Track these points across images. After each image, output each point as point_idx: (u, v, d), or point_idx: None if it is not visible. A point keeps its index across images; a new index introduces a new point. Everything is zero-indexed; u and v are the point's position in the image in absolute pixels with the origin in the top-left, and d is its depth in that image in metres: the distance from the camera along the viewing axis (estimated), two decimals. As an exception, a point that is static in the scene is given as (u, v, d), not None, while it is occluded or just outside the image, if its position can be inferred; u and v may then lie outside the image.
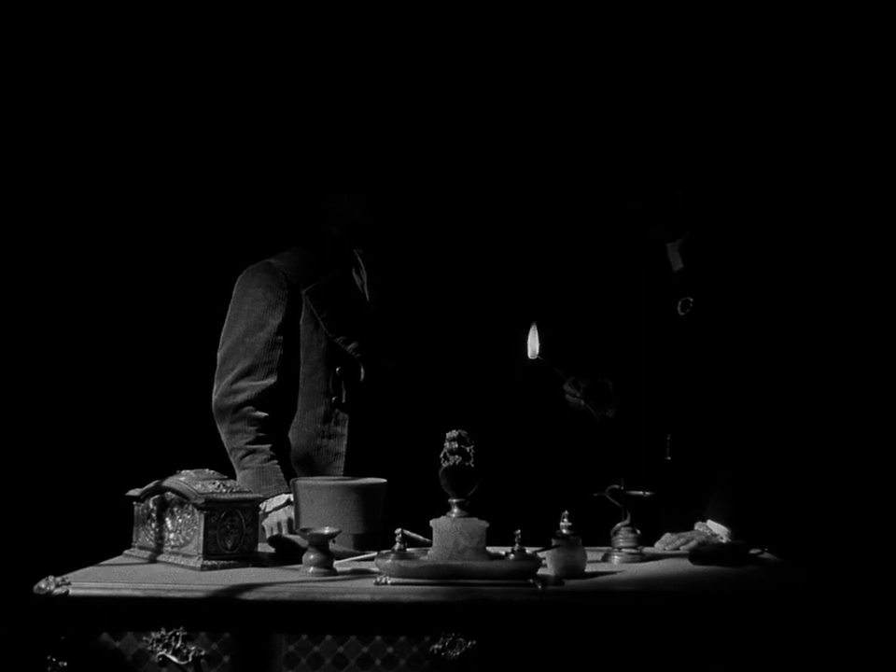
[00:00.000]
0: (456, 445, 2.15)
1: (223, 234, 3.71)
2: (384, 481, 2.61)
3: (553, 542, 2.26)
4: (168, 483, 2.37)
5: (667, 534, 2.67)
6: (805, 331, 2.97)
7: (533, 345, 2.59)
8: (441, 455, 2.17)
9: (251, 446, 2.89)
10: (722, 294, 2.80)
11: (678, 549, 2.60)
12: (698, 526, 2.69)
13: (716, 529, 2.67)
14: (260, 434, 2.90)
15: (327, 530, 2.25)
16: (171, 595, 2.07)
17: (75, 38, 3.71)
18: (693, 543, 2.60)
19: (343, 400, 2.95)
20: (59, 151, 3.74)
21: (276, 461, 2.89)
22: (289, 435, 2.99)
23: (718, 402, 2.79)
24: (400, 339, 3.11)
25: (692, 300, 2.82)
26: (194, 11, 3.73)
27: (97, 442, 3.65)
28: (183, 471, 2.42)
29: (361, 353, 2.98)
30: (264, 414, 2.92)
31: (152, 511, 2.41)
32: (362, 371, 2.97)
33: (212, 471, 2.47)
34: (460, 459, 2.14)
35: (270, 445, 2.90)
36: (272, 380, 2.94)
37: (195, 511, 2.30)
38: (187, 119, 3.79)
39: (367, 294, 3.10)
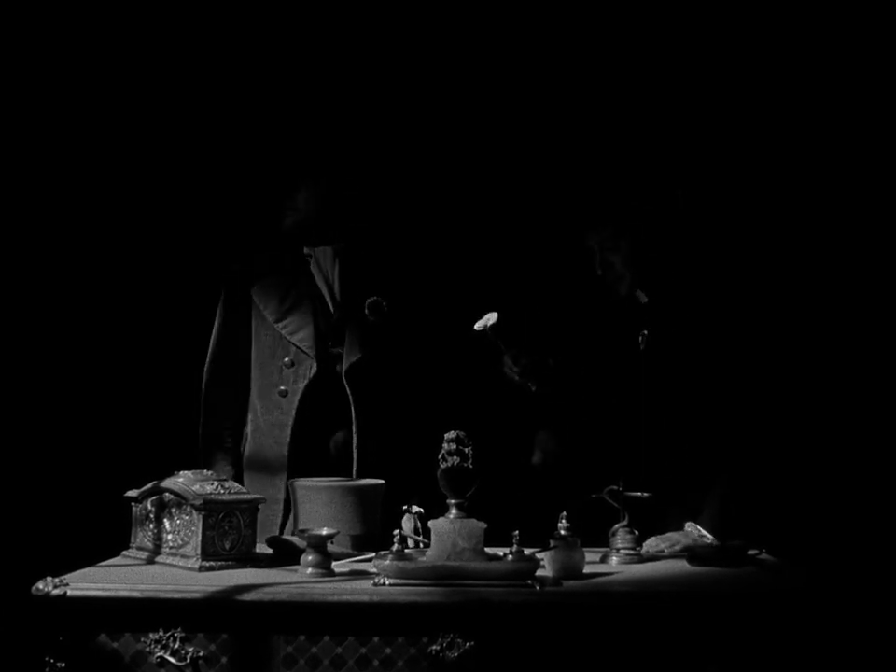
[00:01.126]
0: (455, 446, 2.15)
1: (215, 234, 3.70)
2: (382, 481, 2.61)
3: (552, 543, 2.26)
4: (166, 483, 2.37)
5: (652, 538, 2.64)
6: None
7: (486, 320, 2.61)
8: (440, 456, 2.17)
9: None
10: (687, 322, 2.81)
11: (662, 552, 2.59)
12: (688, 527, 2.68)
13: (704, 531, 2.66)
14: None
15: (325, 531, 2.25)
16: (169, 595, 2.07)
17: (60, 39, 3.69)
18: (678, 547, 2.59)
19: (289, 392, 2.94)
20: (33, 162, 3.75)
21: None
22: (245, 430, 3.00)
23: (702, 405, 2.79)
24: (372, 336, 3.06)
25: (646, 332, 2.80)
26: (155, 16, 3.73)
27: (95, 443, 3.65)
28: (181, 472, 2.42)
29: (309, 344, 2.96)
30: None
31: (150, 511, 2.41)
32: (314, 364, 2.95)
33: (210, 472, 2.47)
34: (458, 460, 2.15)
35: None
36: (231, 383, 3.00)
37: (193, 511, 2.30)
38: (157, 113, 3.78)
39: (329, 291, 3.05)
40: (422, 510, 2.64)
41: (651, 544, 2.61)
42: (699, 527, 2.66)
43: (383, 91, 3.79)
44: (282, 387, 2.94)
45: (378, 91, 3.79)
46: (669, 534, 2.66)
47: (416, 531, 2.62)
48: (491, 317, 2.66)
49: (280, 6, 3.77)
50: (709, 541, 2.62)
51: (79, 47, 3.72)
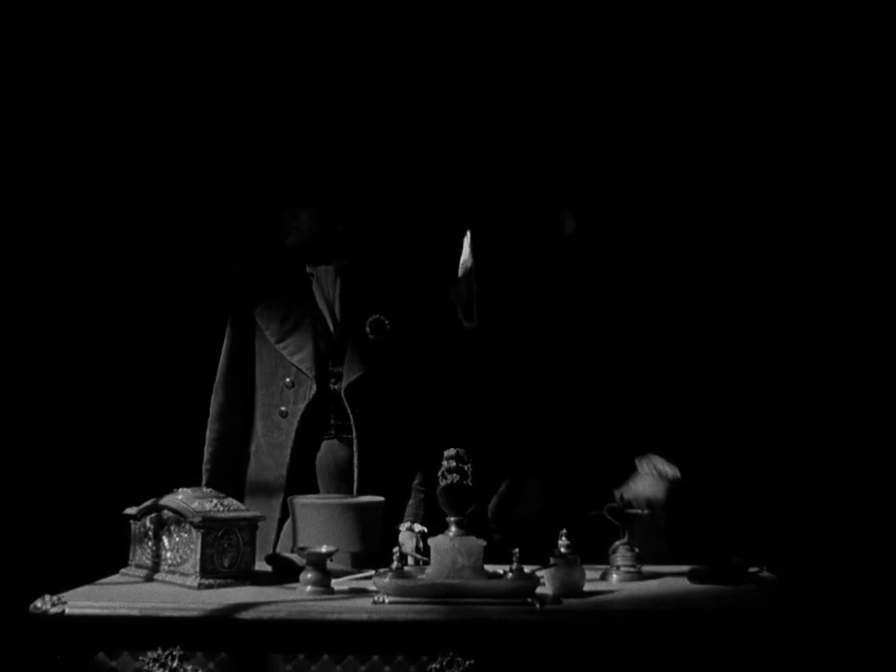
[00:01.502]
0: (454, 463, 2.15)
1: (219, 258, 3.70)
2: (381, 499, 2.61)
3: (552, 561, 2.25)
4: (165, 501, 2.37)
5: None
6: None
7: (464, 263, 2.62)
8: (439, 474, 2.17)
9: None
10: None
11: (630, 504, 2.53)
12: (645, 466, 2.64)
13: (661, 465, 2.62)
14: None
15: (324, 549, 2.25)
16: (167, 614, 2.06)
17: (66, 48, 3.69)
18: (646, 493, 2.54)
19: (289, 413, 2.94)
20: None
21: None
22: (249, 450, 3.01)
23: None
24: (372, 354, 3.05)
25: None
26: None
27: (94, 460, 3.64)
28: (180, 490, 2.41)
29: (308, 365, 2.96)
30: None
31: (149, 529, 2.40)
32: (313, 384, 2.95)
33: (209, 489, 2.47)
34: (458, 478, 2.14)
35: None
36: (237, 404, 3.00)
37: (192, 529, 2.29)
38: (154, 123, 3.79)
39: (329, 310, 3.05)
40: (424, 528, 2.64)
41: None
42: (655, 463, 2.63)
43: (384, 102, 3.78)
44: (282, 408, 2.95)
45: (379, 101, 3.77)
46: (630, 486, 2.62)
47: (417, 549, 2.62)
48: (467, 260, 2.62)
49: (282, 16, 3.77)
50: (671, 472, 2.57)
51: (87, 60, 3.71)
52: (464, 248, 2.61)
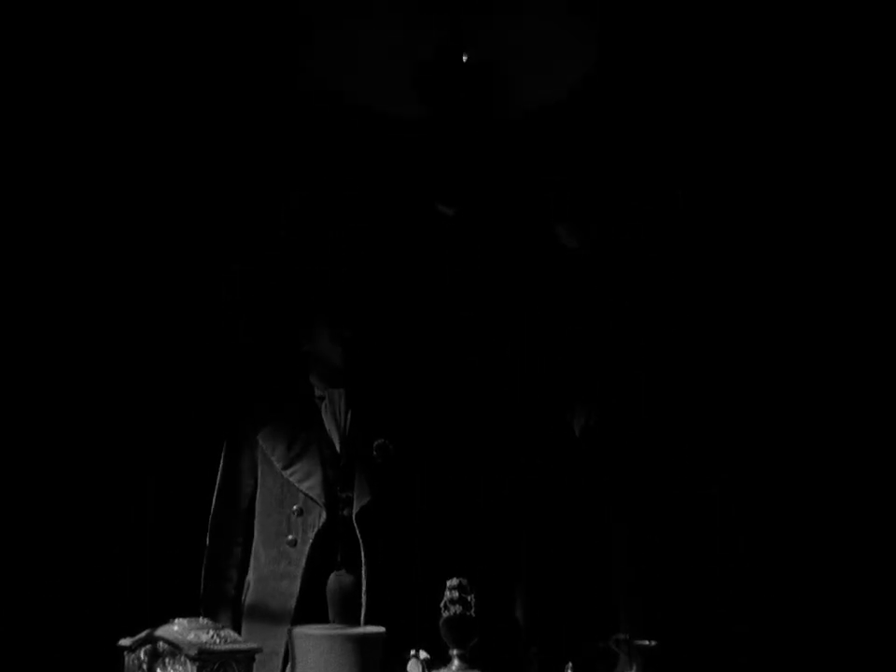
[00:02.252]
0: (457, 594, 2.11)
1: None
2: (382, 629, 2.55)
3: (559, 696, 2.19)
4: (160, 632, 2.31)
5: None
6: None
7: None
8: (441, 605, 2.13)
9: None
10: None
11: None
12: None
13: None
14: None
15: (323, 683, 2.19)
16: (159, 753, 1.99)
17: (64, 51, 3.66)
18: None
19: (298, 542, 2.89)
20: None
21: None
22: (247, 578, 2.94)
23: None
24: (381, 479, 3.03)
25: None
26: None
27: (87, 589, 3.57)
28: (176, 620, 2.35)
29: (318, 492, 2.93)
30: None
31: (143, 661, 2.33)
32: (322, 512, 2.91)
33: (206, 620, 2.41)
34: (461, 609, 2.10)
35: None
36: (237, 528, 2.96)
37: (188, 662, 2.23)
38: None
39: (339, 434, 3.04)
40: (429, 656, 2.57)
41: None
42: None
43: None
44: (290, 536, 2.89)
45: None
46: None
47: None
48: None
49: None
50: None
51: (92, 74, 3.67)
52: None
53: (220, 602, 2.90)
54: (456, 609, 2.10)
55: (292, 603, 2.82)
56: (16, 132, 3.60)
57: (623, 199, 2.91)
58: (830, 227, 3.66)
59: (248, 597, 2.92)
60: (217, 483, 3.01)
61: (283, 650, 2.75)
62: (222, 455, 3.03)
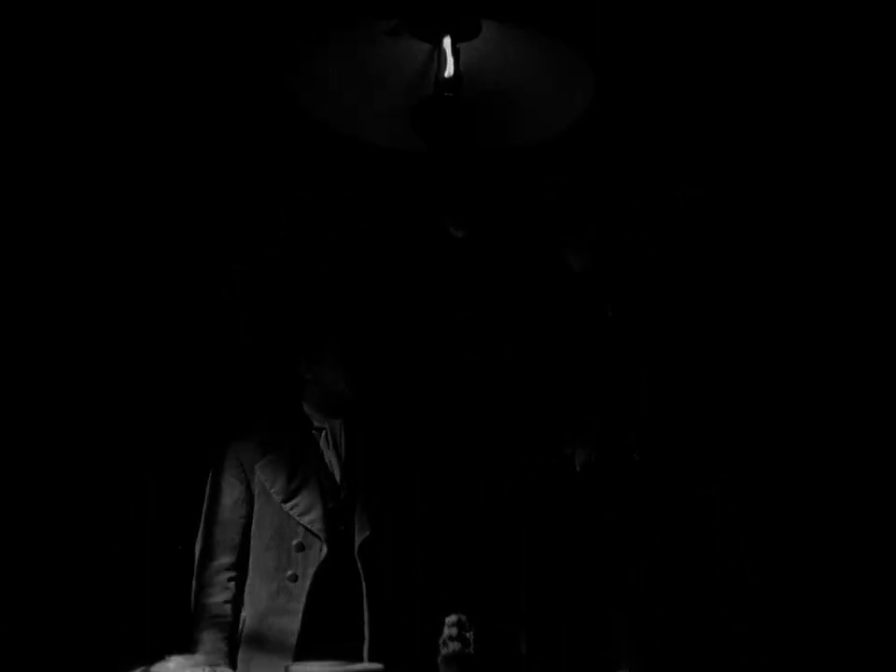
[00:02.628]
0: (456, 631, 2.09)
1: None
2: (380, 666, 2.51)
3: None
4: (155, 669, 2.29)
5: None
6: None
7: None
8: (440, 641, 2.10)
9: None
10: None
11: None
12: None
13: None
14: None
15: (319, 720, 2.16)
16: None
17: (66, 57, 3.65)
18: None
19: (300, 576, 2.85)
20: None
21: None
22: (242, 614, 2.89)
23: None
24: (381, 512, 3.00)
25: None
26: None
27: (81, 624, 3.53)
28: (172, 657, 2.33)
29: (319, 526, 2.89)
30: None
31: (138, 699, 2.31)
32: (324, 546, 2.87)
33: (202, 657, 2.39)
34: (459, 646, 2.08)
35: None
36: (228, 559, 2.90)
37: (183, 700, 2.21)
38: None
39: (338, 463, 3.01)
40: None
41: None
42: None
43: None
44: (290, 571, 2.83)
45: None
46: None
47: None
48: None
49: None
50: None
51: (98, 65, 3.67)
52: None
53: (212, 635, 2.82)
54: (455, 645, 2.08)
55: (293, 640, 2.75)
56: (16, 131, 3.59)
57: (622, 199, 2.90)
58: (830, 227, 3.65)
59: (245, 633, 2.86)
60: (205, 512, 2.93)
61: None
62: (209, 480, 2.95)
